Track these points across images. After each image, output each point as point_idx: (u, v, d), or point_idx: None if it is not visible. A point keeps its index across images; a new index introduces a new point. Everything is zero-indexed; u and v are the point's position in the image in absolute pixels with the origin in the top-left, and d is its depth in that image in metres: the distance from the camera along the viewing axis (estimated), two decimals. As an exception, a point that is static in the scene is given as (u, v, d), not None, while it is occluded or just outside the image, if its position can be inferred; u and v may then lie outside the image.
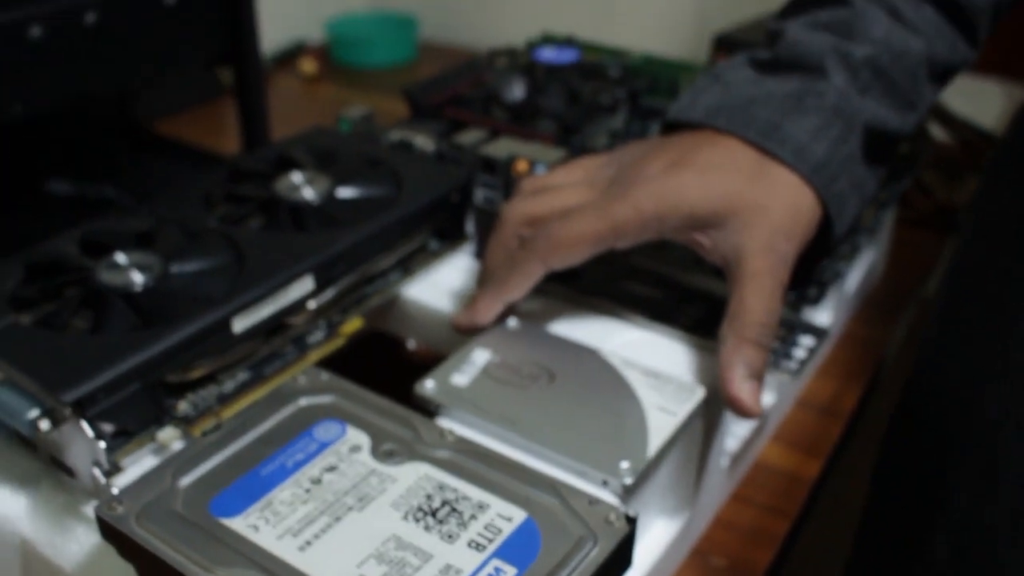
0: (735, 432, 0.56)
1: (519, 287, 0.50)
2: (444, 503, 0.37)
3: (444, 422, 0.44)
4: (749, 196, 0.48)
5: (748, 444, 0.56)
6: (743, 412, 0.45)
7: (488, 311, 0.50)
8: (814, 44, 0.52)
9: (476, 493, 0.38)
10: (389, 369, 0.55)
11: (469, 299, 0.54)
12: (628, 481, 0.41)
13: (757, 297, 0.46)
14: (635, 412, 0.45)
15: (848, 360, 0.69)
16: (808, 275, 0.54)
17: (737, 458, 0.55)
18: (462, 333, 0.51)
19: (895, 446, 0.69)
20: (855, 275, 0.69)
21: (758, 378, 0.46)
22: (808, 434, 0.62)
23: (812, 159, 0.49)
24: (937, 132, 0.96)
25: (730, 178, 0.48)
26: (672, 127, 0.54)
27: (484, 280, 0.51)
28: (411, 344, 0.59)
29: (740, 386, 0.45)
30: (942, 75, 0.55)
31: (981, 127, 0.95)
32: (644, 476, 0.42)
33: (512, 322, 0.51)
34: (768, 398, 0.59)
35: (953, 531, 0.58)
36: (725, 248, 0.48)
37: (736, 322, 0.46)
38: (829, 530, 0.73)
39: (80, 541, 0.42)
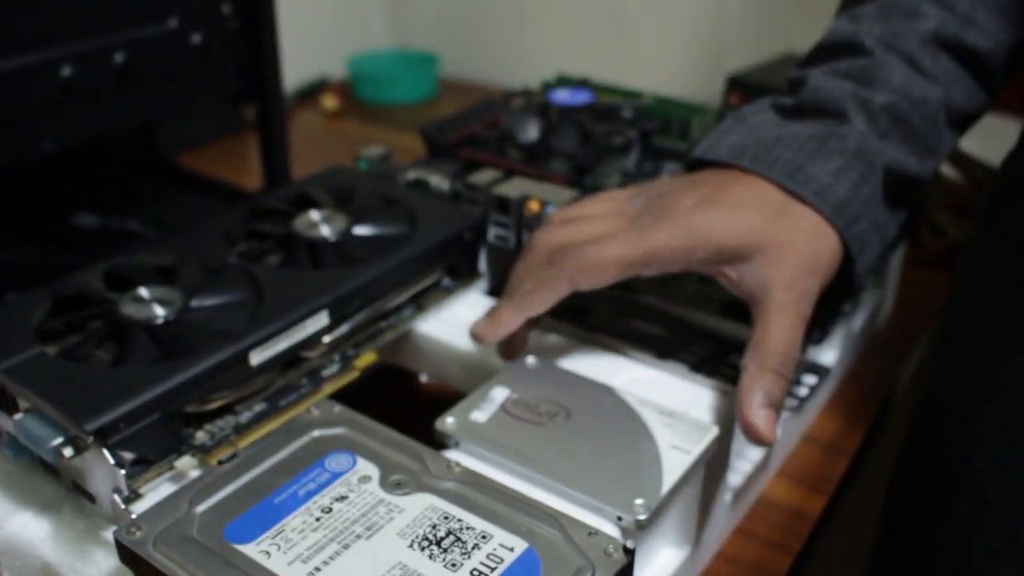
0: (738, 468, 0.57)
1: (544, 302, 0.51)
2: (449, 533, 0.39)
3: (463, 458, 0.45)
4: (776, 233, 0.49)
5: (752, 479, 0.58)
6: (757, 439, 0.46)
7: (510, 322, 0.52)
8: (835, 91, 0.54)
9: (480, 524, 0.39)
10: (402, 402, 0.57)
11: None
12: (642, 517, 0.42)
13: (781, 329, 0.48)
14: (650, 450, 0.46)
15: (854, 398, 0.70)
16: (829, 315, 0.56)
17: (740, 493, 0.56)
18: (480, 342, 0.52)
19: (900, 488, 0.69)
20: (860, 315, 0.71)
21: (775, 407, 0.47)
22: (813, 471, 0.63)
23: (833, 199, 0.51)
24: (949, 172, 0.97)
25: (758, 215, 0.50)
26: (696, 166, 0.56)
27: (508, 293, 0.52)
28: (423, 378, 0.60)
29: (757, 413, 0.46)
30: (960, 122, 0.57)
31: (992, 167, 0.96)
32: (658, 513, 0.43)
33: (531, 360, 0.53)
34: (772, 435, 0.60)
35: (952, 548, 0.58)
36: (751, 282, 0.49)
37: (759, 351, 0.48)
38: (832, 567, 0.74)
39: (99, 565, 0.43)
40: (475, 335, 0.52)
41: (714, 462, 0.49)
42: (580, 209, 0.55)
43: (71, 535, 0.44)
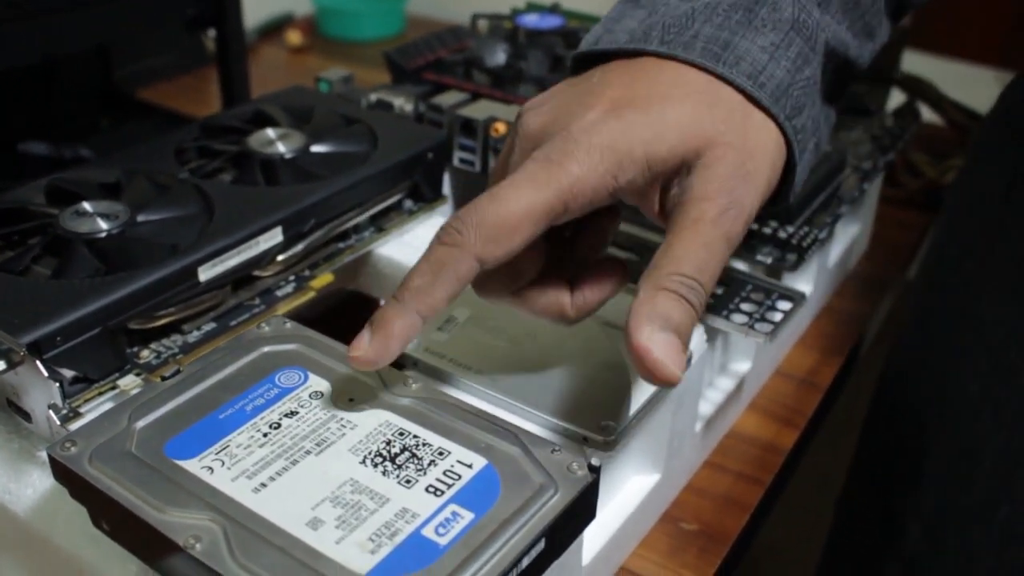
0: (708, 397, 0.55)
1: (445, 294, 0.37)
2: (404, 449, 0.37)
3: (423, 378, 0.43)
4: (708, 128, 0.39)
5: (723, 410, 0.56)
6: (654, 372, 0.35)
7: (405, 332, 0.37)
8: None
9: (437, 440, 0.37)
10: (362, 328, 0.54)
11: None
12: (609, 439, 0.40)
13: (687, 246, 0.37)
14: (617, 370, 0.44)
15: (829, 333, 0.69)
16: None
17: (711, 423, 0.54)
18: (365, 368, 0.38)
19: (874, 428, 0.68)
20: (837, 246, 0.69)
21: (678, 334, 0.36)
22: (786, 405, 0.62)
23: (771, 83, 0.40)
24: (929, 116, 0.95)
25: (684, 111, 0.39)
26: (586, 65, 0.44)
27: (397, 291, 0.38)
28: (384, 303, 0.58)
29: (651, 338, 0.35)
30: (895, 9, 0.48)
31: (972, 109, 0.94)
32: (625, 435, 0.41)
33: None
34: (744, 365, 0.58)
35: (927, 515, 0.57)
36: (674, 195, 0.39)
37: (652, 272, 0.37)
38: (804, 502, 0.73)
39: (35, 486, 0.41)
40: (357, 360, 0.37)
41: (685, 386, 0.48)
42: None
43: (5, 455, 0.42)
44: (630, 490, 0.49)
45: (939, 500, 0.56)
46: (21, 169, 0.78)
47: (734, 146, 0.38)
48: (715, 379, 0.56)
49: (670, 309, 0.36)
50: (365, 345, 0.37)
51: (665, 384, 0.35)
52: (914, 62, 0.93)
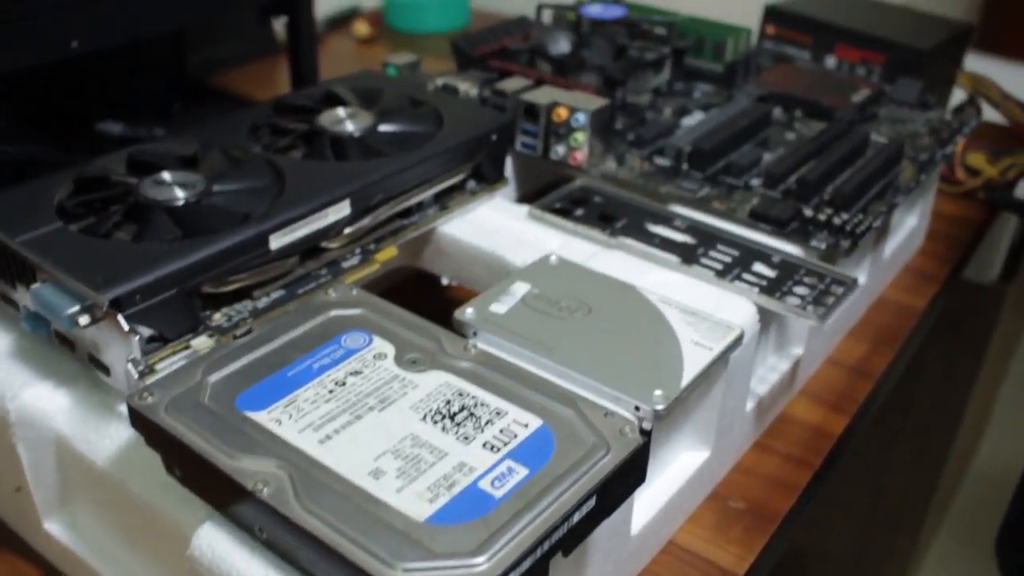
0: (762, 378, 0.56)
1: None
2: (462, 408, 0.38)
3: (482, 347, 0.45)
4: None
5: (775, 393, 0.57)
6: None
7: None
8: None
9: (494, 401, 0.39)
10: (422, 305, 0.56)
11: (505, 238, 0.55)
12: (661, 408, 0.41)
13: None
14: (671, 345, 0.45)
15: (882, 324, 0.69)
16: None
17: (762, 405, 0.56)
18: None
19: None
20: (892, 238, 0.69)
21: None
22: (836, 391, 0.62)
23: None
24: (989, 114, 0.95)
25: None
26: None
27: None
28: (445, 281, 0.60)
29: None
30: None
31: (1033, 107, 0.94)
32: (676, 405, 0.42)
33: (553, 258, 0.52)
34: (796, 350, 0.59)
35: None
36: None
37: None
38: (851, 486, 0.74)
39: (112, 437, 0.43)
40: None
41: (736, 364, 0.49)
42: None
43: (86, 408, 0.44)
44: (680, 466, 0.50)
45: None
46: (98, 147, 0.81)
47: None
48: (767, 362, 0.58)
49: None
50: None
51: None
52: (978, 65, 0.93)
